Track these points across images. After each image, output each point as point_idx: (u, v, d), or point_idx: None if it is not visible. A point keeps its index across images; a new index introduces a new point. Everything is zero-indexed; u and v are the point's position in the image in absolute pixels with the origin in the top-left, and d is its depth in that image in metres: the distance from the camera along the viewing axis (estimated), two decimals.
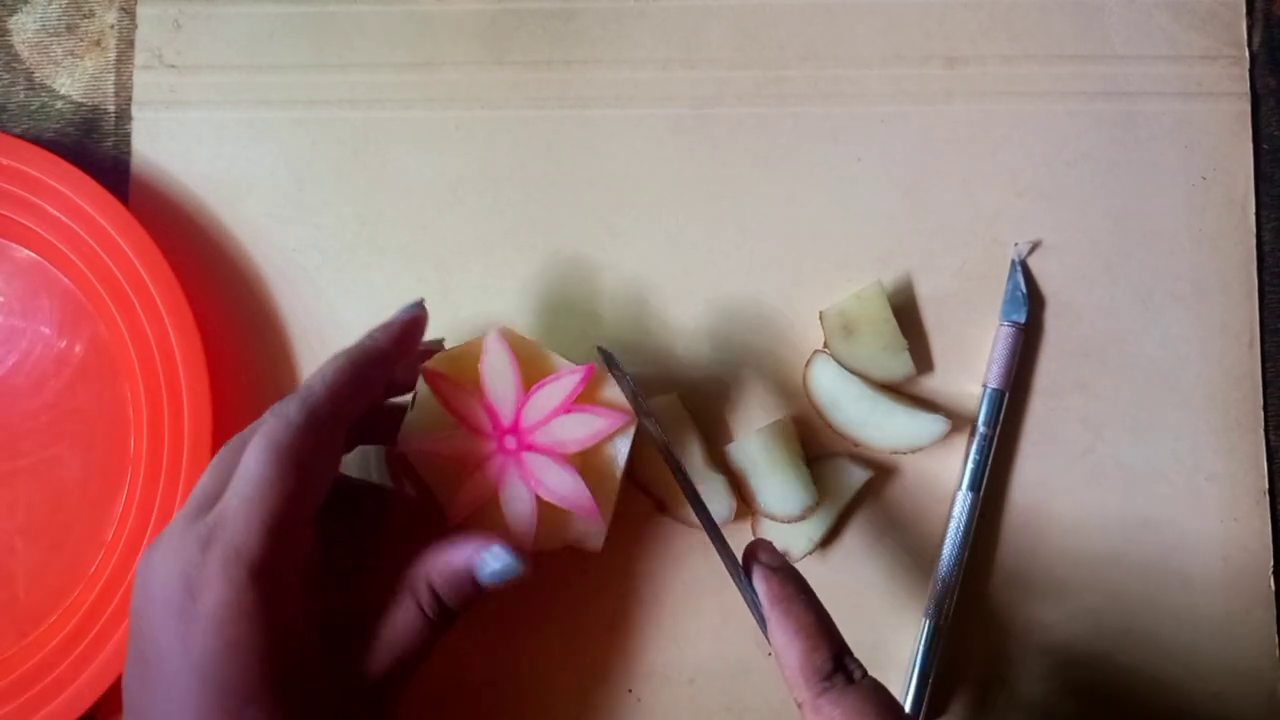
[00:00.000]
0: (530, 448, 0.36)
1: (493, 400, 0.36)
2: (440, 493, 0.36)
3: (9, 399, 0.43)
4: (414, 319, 0.37)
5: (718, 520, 0.36)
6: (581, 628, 0.41)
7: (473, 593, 0.34)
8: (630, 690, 0.41)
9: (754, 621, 0.33)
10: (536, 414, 0.36)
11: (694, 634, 0.42)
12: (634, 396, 0.36)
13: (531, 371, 0.36)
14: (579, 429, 0.36)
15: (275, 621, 0.30)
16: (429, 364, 0.36)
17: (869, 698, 0.31)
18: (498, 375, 0.36)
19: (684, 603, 0.42)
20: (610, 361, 0.37)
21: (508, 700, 0.41)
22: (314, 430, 0.32)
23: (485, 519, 0.36)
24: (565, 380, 0.36)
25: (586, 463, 0.36)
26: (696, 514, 0.35)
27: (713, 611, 0.41)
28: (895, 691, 0.40)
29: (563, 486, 0.35)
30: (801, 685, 0.31)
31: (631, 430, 0.36)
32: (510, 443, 0.36)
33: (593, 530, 0.36)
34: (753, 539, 0.35)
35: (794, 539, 0.41)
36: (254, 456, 0.31)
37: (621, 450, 0.36)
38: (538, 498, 0.35)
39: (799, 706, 0.31)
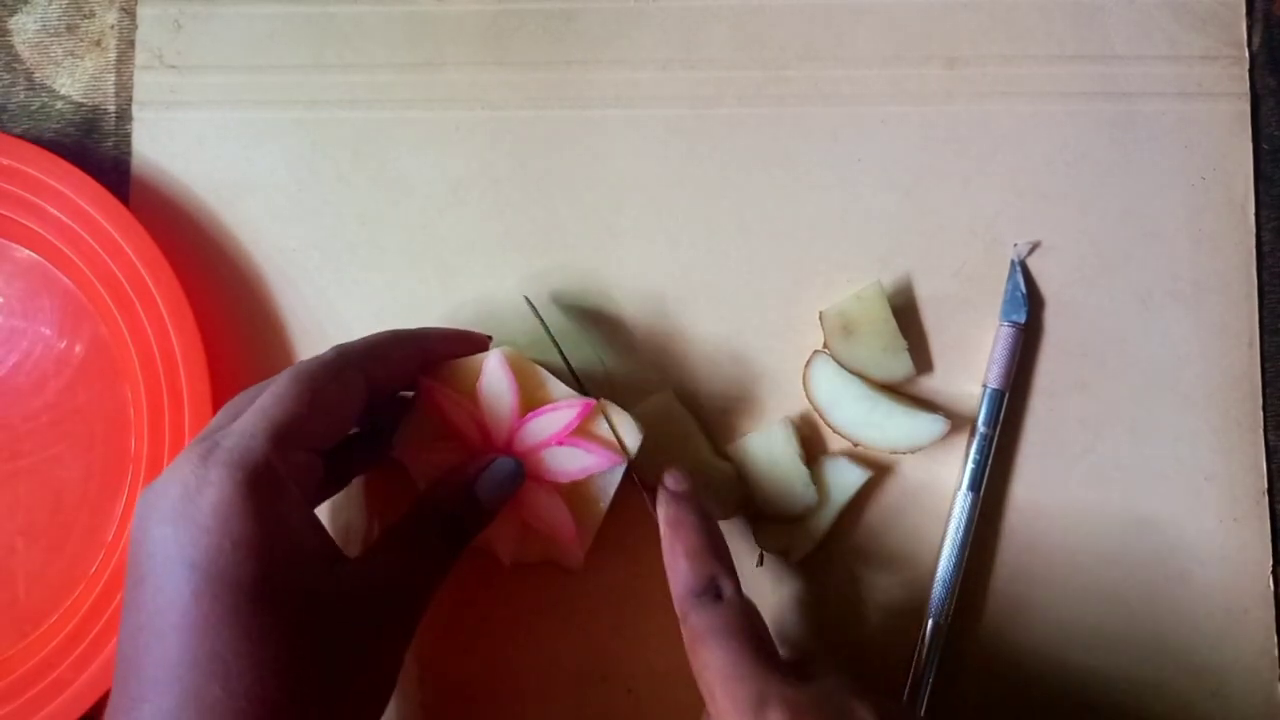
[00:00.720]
0: (520, 451, 0.36)
1: (488, 420, 0.36)
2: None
3: (9, 399, 0.43)
4: (474, 336, 0.38)
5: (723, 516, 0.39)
6: (581, 628, 0.41)
7: (473, 507, 0.35)
8: (630, 690, 0.41)
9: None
10: (530, 441, 0.36)
11: None
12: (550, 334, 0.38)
13: (530, 393, 0.36)
14: (570, 462, 0.36)
15: (275, 522, 0.30)
16: (427, 376, 0.37)
17: (731, 614, 0.33)
18: (495, 398, 0.36)
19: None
20: (531, 308, 0.39)
21: (508, 700, 0.41)
22: (340, 367, 0.34)
23: (527, 543, 0.37)
24: (562, 413, 0.36)
25: (573, 491, 0.37)
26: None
27: None
28: (895, 691, 0.40)
29: (548, 514, 0.36)
30: (678, 601, 0.34)
31: (621, 468, 0.37)
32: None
33: (572, 553, 0.37)
34: (670, 468, 0.37)
35: (795, 539, 0.41)
36: (280, 382, 0.33)
37: (610, 485, 0.37)
38: (523, 523, 0.36)
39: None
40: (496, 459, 0.36)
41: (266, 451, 0.31)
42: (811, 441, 0.42)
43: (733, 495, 0.40)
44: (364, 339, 0.35)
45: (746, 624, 0.33)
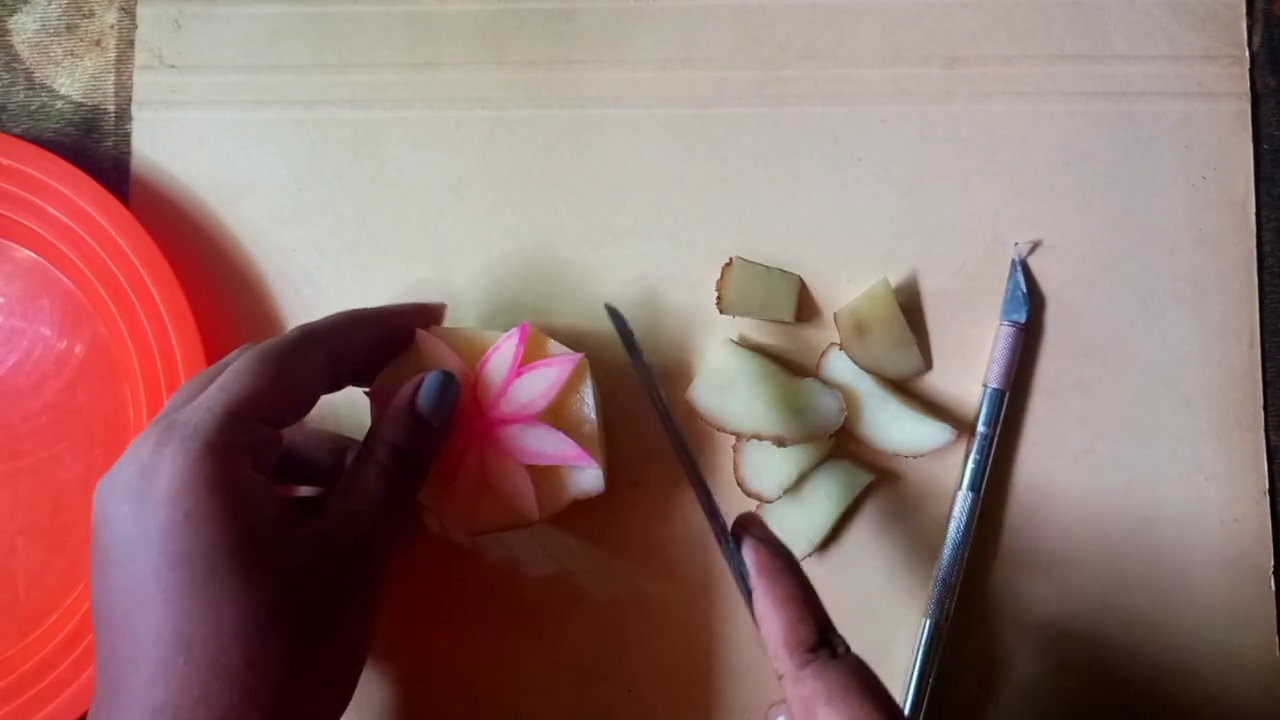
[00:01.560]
0: (499, 421, 0.36)
1: (479, 382, 0.36)
2: (427, 494, 0.36)
3: (9, 399, 0.43)
4: (428, 307, 0.38)
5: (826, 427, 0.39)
6: (581, 628, 0.41)
7: (417, 428, 0.35)
8: (630, 690, 0.41)
9: (753, 622, 0.33)
10: (491, 389, 0.36)
11: (694, 634, 0.42)
12: (631, 341, 0.37)
13: (471, 355, 0.37)
14: (537, 385, 0.36)
15: (233, 493, 0.30)
16: (428, 330, 0.37)
17: (852, 673, 0.30)
18: (500, 362, 0.36)
19: (685, 603, 0.41)
20: (616, 318, 0.37)
21: (508, 700, 0.41)
22: (302, 345, 0.34)
23: (483, 509, 0.36)
24: (505, 348, 0.36)
25: (557, 416, 0.36)
26: (687, 474, 0.35)
27: (713, 611, 0.41)
28: (895, 691, 0.40)
29: (545, 444, 0.35)
30: (785, 656, 0.31)
31: (587, 371, 0.37)
32: (479, 425, 0.36)
33: (589, 476, 0.36)
34: (744, 513, 0.35)
35: (795, 541, 0.41)
36: (243, 360, 0.32)
37: (586, 393, 0.37)
38: (526, 466, 0.35)
39: (779, 678, 0.31)
40: (425, 374, 0.35)
41: (223, 424, 0.31)
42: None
43: (834, 408, 0.40)
44: (325, 319, 0.36)
45: (876, 684, 0.30)
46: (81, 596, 0.41)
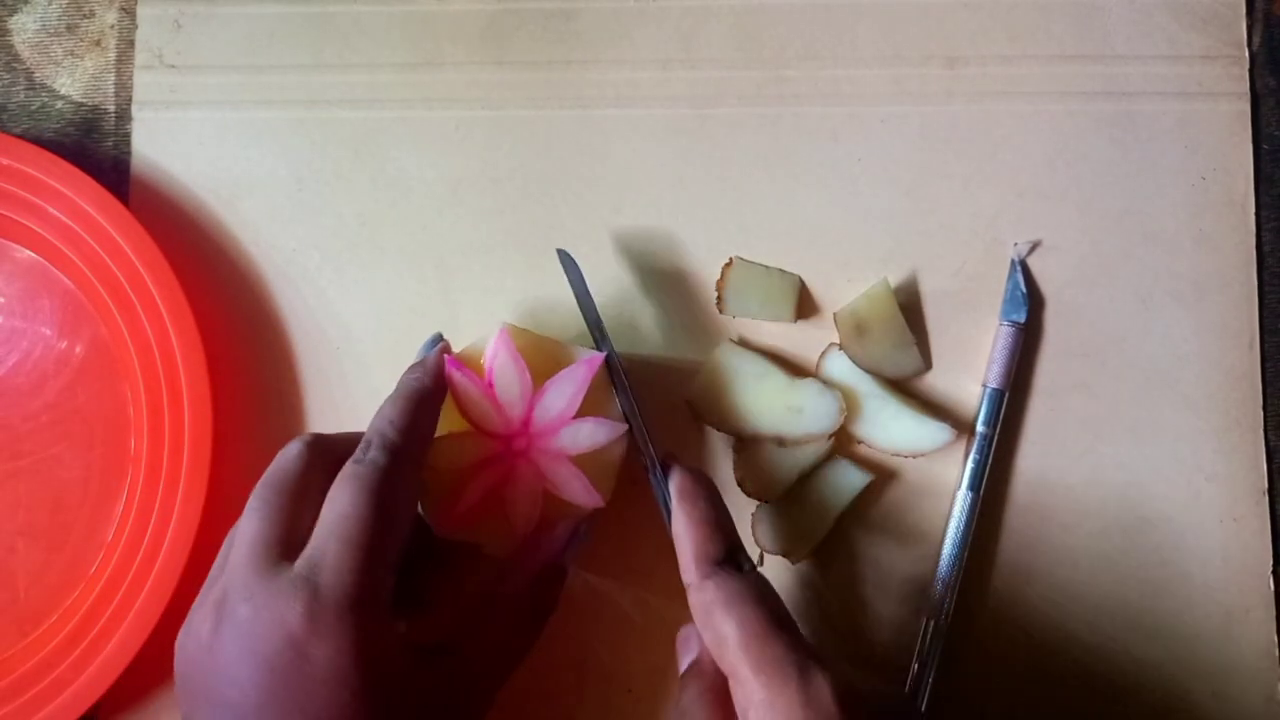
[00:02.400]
0: (539, 435, 0.36)
1: (501, 401, 0.36)
2: (435, 495, 0.36)
3: (10, 399, 0.43)
4: (441, 351, 0.37)
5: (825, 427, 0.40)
6: (581, 628, 0.41)
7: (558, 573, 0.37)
8: (630, 690, 0.41)
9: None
10: (546, 414, 0.36)
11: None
12: (593, 314, 0.38)
13: (539, 364, 0.37)
14: (585, 438, 0.36)
15: (385, 667, 0.30)
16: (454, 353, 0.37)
17: (750, 585, 0.32)
18: (505, 376, 0.36)
19: (685, 602, 0.41)
20: (567, 262, 0.39)
21: (508, 700, 0.41)
22: (397, 470, 0.32)
23: (485, 517, 0.36)
24: (575, 373, 0.36)
25: (585, 460, 0.37)
26: (624, 409, 0.37)
27: None
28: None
29: (571, 483, 0.36)
30: (692, 569, 0.33)
31: (625, 439, 0.37)
32: (519, 444, 0.37)
33: (617, 440, 0.37)
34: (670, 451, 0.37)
35: (793, 541, 0.41)
36: (348, 500, 0.31)
37: (617, 453, 0.37)
38: (545, 492, 0.36)
39: (687, 590, 0.33)
40: (577, 528, 0.38)
41: (368, 589, 0.30)
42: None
43: (833, 408, 0.40)
44: (389, 424, 0.33)
45: (772, 594, 0.32)
46: (81, 596, 0.41)
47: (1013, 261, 0.42)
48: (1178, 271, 0.43)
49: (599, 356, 0.37)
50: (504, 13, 0.44)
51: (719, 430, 0.41)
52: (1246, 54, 0.44)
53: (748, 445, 0.41)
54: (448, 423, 0.36)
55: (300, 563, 0.30)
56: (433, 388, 0.35)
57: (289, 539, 0.31)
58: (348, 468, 0.32)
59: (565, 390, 0.36)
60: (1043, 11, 0.44)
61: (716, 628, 0.31)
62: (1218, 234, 0.43)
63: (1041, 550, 0.42)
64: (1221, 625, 0.41)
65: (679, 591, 0.41)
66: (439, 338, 0.38)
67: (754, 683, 0.30)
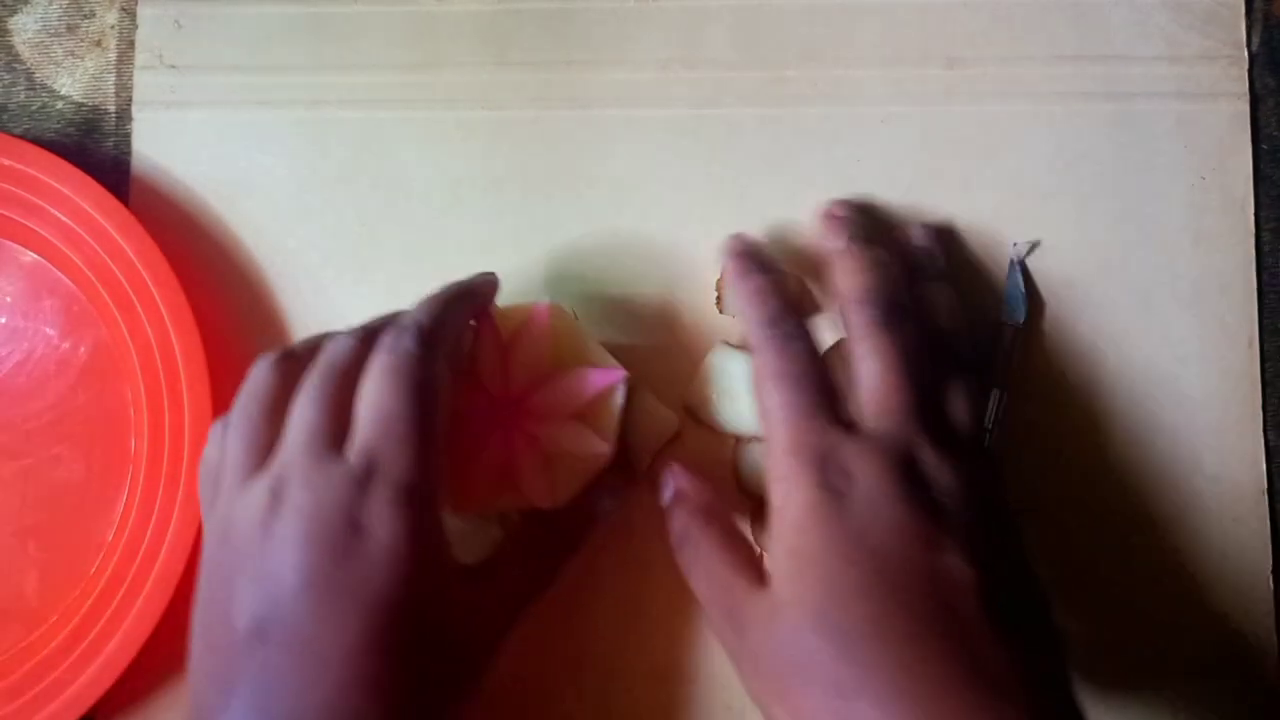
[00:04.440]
0: (529, 413, 0.37)
1: (514, 368, 0.37)
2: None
3: (11, 399, 0.43)
4: (489, 279, 0.38)
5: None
6: (581, 628, 0.41)
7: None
8: (630, 690, 0.41)
9: None
10: (521, 375, 0.37)
11: (694, 634, 0.42)
12: None
13: (566, 353, 0.37)
14: (574, 389, 0.37)
15: (437, 560, 0.31)
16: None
17: (804, 357, 0.34)
18: (529, 348, 0.37)
19: (685, 602, 0.42)
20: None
21: (508, 700, 0.41)
22: (431, 356, 0.33)
23: (501, 493, 0.36)
24: (534, 330, 0.37)
25: (585, 418, 0.37)
26: None
27: None
28: None
29: (568, 438, 0.36)
30: (753, 331, 0.35)
31: (623, 387, 0.37)
32: (504, 414, 0.37)
33: (595, 455, 0.37)
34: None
35: None
36: (390, 392, 0.32)
37: (616, 405, 0.37)
38: (545, 453, 0.36)
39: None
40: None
41: (425, 482, 0.31)
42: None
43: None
44: (425, 313, 0.34)
45: (815, 370, 0.34)
46: (81, 596, 0.41)
47: (1012, 261, 0.42)
48: (1177, 271, 0.43)
49: (618, 373, 0.37)
50: (504, 13, 0.44)
51: (717, 430, 0.41)
52: (1246, 54, 0.44)
53: (746, 445, 0.41)
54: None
55: (355, 455, 0.31)
56: (470, 292, 0.37)
57: (337, 429, 0.32)
58: (382, 359, 0.33)
59: (571, 389, 0.37)
60: (1043, 12, 0.44)
61: (762, 405, 0.34)
62: (1217, 234, 0.43)
63: (1041, 550, 0.41)
64: (1222, 626, 0.41)
65: (679, 591, 0.42)
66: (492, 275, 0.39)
67: (784, 462, 0.32)
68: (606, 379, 0.37)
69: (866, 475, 0.32)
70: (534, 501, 0.36)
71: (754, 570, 0.33)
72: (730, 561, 0.34)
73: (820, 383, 0.34)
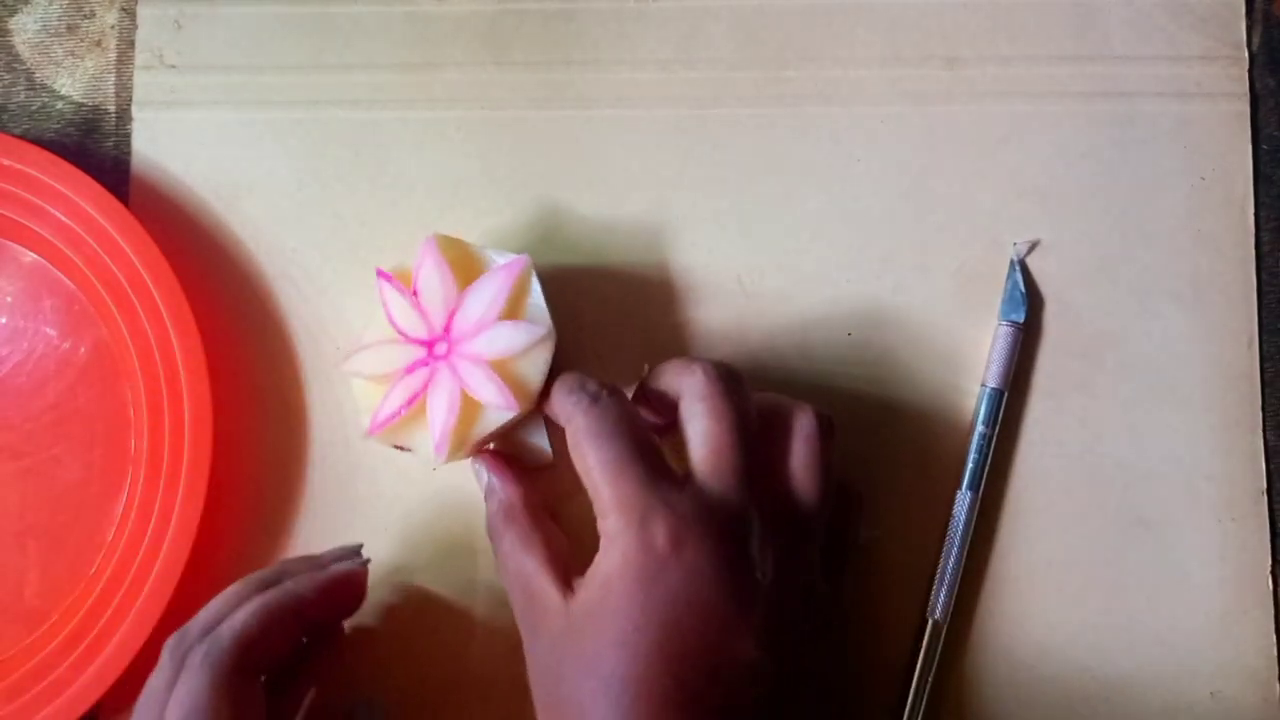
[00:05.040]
0: (460, 339, 0.37)
1: (425, 307, 0.37)
2: (422, 444, 0.37)
3: (12, 400, 0.43)
4: (351, 576, 0.37)
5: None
6: None
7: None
8: None
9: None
10: (467, 320, 0.37)
11: None
12: None
13: (470, 273, 0.37)
14: (503, 341, 0.36)
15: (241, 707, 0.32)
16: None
17: (612, 412, 0.34)
18: (429, 283, 0.37)
19: None
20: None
21: (508, 700, 0.41)
22: (224, 686, 0.32)
23: (467, 424, 0.36)
24: (427, 267, 0.37)
25: (506, 369, 0.37)
26: None
27: None
28: (895, 691, 0.40)
29: (485, 386, 0.36)
30: (556, 408, 0.35)
31: (532, 270, 0.37)
32: (440, 349, 0.37)
33: (538, 342, 0.36)
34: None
35: None
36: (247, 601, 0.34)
37: (536, 293, 0.37)
38: (492, 364, 0.36)
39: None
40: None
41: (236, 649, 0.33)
42: None
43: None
44: (229, 629, 0.34)
45: (630, 424, 0.33)
46: (81, 596, 0.41)
47: (1012, 261, 0.42)
48: (1177, 271, 0.43)
49: (521, 260, 0.37)
50: (504, 13, 0.44)
51: None
52: (1246, 54, 0.44)
53: None
54: (376, 331, 0.38)
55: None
56: (310, 600, 0.35)
57: None
58: (181, 667, 0.34)
59: (485, 294, 0.37)
60: (1043, 12, 0.44)
61: (581, 466, 0.33)
62: (1217, 234, 0.43)
63: (1040, 550, 0.42)
64: (1220, 625, 0.41)
65: None
66: (359, 553, 0.38)
67: (609, 518, 0.32)
68: (511, 272, 0.36)
69: (694, 546, 0.31)
70: (503, 413, 0.36)
71: (562, 575, 0.33)
72: (538, 561, 0.34)
73: (637, 435, 0.33)
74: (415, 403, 0.36)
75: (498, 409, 0.36)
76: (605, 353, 0.42)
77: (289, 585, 0.35)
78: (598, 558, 0.32)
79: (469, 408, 0.36)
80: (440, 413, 0.36)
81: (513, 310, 0.37)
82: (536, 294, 0.37)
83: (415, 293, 0.37)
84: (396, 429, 0.37)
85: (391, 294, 0.37)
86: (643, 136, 0.43)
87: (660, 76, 0.44)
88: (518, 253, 0.38)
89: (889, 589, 0.41)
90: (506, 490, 0.37)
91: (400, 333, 0.37)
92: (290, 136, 0.44)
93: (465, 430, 0.36)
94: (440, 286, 0.37)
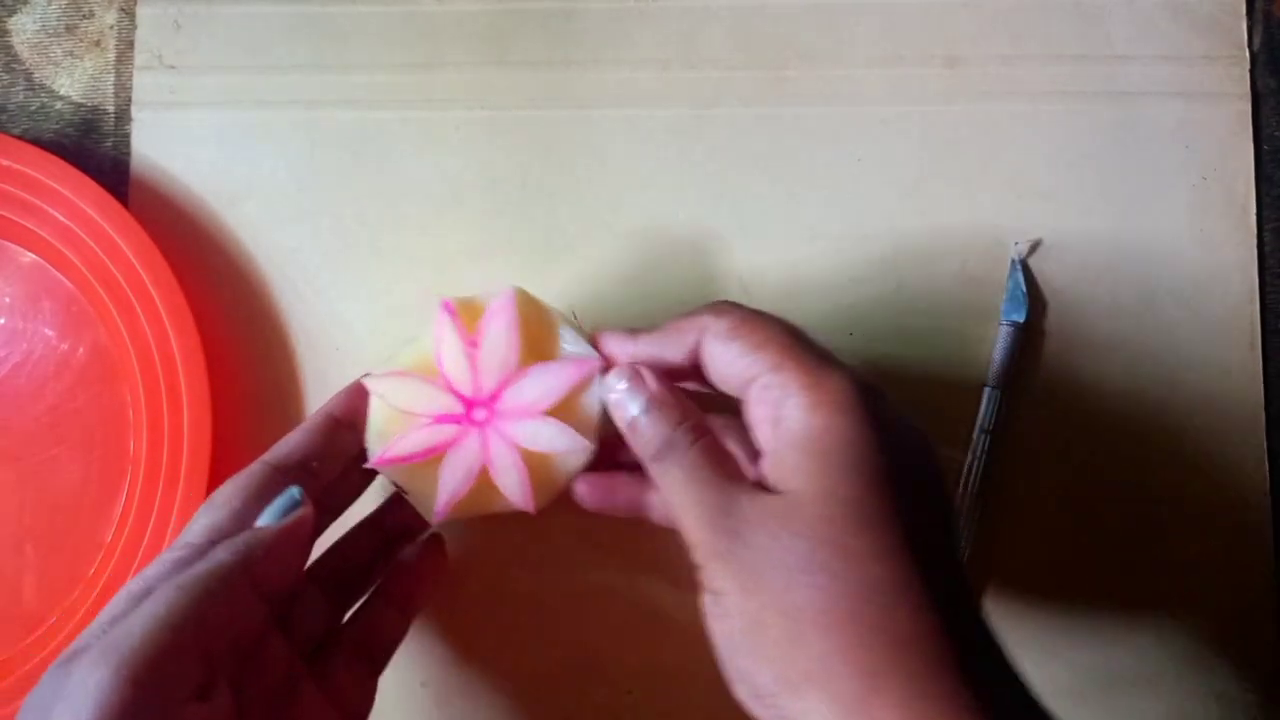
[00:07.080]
0: (502, 414, 0.34)
1: (481, 366, 0.34)
2: (422, 494, 0.35)
3: (11, 401, 0.43)
4: (294, 526, 0.31)
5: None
6: (581, 628, 0.41)
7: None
8: (630, 691, 0.41)
9: None
10: (518, 398, 0.34)
11: (694, 634, 0.41)
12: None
13: (537, 337, 0.35)
14: (545, 438, 0.34)
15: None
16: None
17: (692, 462, 0.32)
18: (493, 344, 0.34)
19: (685, 603, 0.41)
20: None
21: (508, 700, 0.41)
22: (135, 698, 0.26)
23: (476, 499, 0.35)
24: (498, 324, 0.34)
25: (562, 412, 0.34)
26: None
27: None
28: None
29: (509, 474, 0.34)
30: (646, 461, 0.33)
31: (587, 459, 0.35)
32: (479, 414, 0.34)
33: (575, 453, 0.34)
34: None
35: None
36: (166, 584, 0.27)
37: (594, 395, 0.34)
38: (523, 454, 0.34)
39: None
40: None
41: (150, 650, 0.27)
42: None
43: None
44: (139, 625, 0.27)
45: (709, 472, 0.31)
46: (81, 597, 0.41)
47: (1013, 261, 0.42)
48: (1178, 271, 0.43)
49: (593, 362, 0.34)
50: (504, 13, 0.44)
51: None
52: (1247, 54, 0.44)
53: None
54: (419, 361, 0.35)
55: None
56: (240, 570, 0.29)
57: None
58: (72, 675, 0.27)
59: (546, 383, 0.34)
60: (1043, 11, 0.44)
61: (671, 516, 0.32)
62: (1218, 234, 0.43)
63: (1041, 550, 0.42)
64: (1221, 626, 0.41)
65: (680, 591, 0.42)
66: (298, 497, 0.32)
67: (791, 378, 0.30)
68: (580, 371, 0.34)
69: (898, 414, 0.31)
70: (515, 505, 0.34)
71: (747, 480, 0.31)
72: (726, 469, 0.31)
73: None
74: (433, 455, 0.34)
75: (514, 500, 0.34)
76: None
77: (215, 554, 0.29)
78: (781, 429, 0.31)
79: (485, 487, 0.34)
80: (455, 479, 0.34)
81: (566, 405, 0.34)
82: (593, 401, 0.34)
83: (475, 344, 0.34)
84: (404, 470, 0.34)
85: (450, 336, 0.34)
86: (643, 136, 0.43)
87: (660, 76, 0.44)
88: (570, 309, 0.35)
89: None
90: (688, 405, 0.33)
91: (444, 377, 0.34)
92: (290, 137, 0.44)
93: (471, 505, 0.35)
94: (504, 351, 0.34)
